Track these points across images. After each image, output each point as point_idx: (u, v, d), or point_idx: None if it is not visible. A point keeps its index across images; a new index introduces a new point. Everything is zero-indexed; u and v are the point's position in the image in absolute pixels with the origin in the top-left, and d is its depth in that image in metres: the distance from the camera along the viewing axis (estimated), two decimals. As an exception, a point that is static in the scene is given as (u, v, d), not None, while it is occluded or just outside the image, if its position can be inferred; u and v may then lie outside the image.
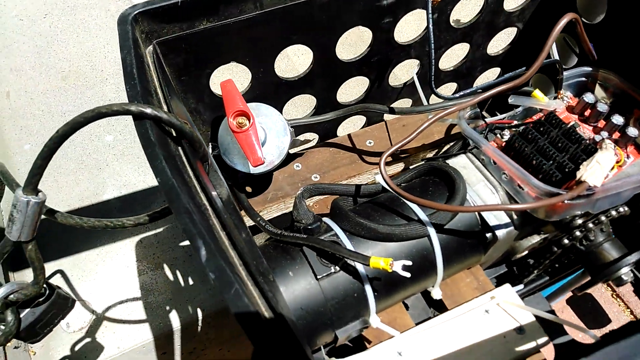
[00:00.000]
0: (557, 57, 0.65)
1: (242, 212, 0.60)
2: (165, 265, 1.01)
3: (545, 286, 0.67)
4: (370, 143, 0.68)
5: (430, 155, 0.70)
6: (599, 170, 0.47)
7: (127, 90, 0.40)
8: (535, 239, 0.58)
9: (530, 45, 0.68)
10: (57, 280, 0.98)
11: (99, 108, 0.38)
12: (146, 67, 0.45)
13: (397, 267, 0.43)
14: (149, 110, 0.37)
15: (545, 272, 0.65)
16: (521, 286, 0.61)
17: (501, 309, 0.55)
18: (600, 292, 1.49)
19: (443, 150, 0.68)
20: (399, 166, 0.69)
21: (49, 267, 0.99)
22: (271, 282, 0.35)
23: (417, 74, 0.64)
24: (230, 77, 0.55)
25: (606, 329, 1.39)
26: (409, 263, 0.43)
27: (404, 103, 0.72)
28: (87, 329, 0.93)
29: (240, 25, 0.50)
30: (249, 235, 0.39)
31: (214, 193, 0.37)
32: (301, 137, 0.65)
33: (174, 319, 0.96)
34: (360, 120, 0.72)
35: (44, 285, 0.48)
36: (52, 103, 1.29)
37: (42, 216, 0.44)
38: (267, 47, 0.53)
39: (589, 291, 1.46)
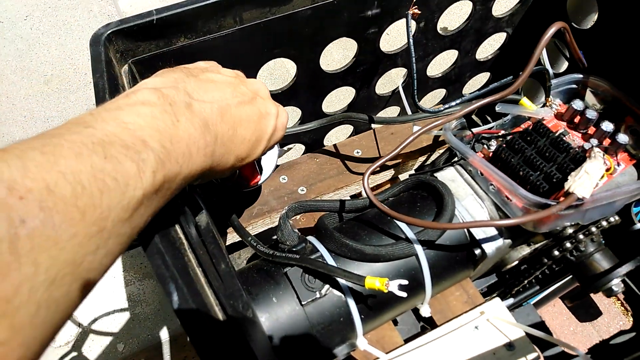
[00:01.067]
0: (547, 63, 0.64)
1: (231, 231, 0.58)
2: (152, 275, 1.00)
3: (535, 294, 0.66)
4: (358, 152, 0.67)
5: (418, 162, 0.69)
6: (587, 181, 0.46)
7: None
8: (525, 250, 0.57)
9: (521, 49, 0.67)
10: (42, 293, 0.96)
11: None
12: (120, 89, 0.43)
13: (393, 287, 0.42)
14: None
15: (536, 281, 0.64)
16: (511, 300, 0.60)
17: (491, 324, 0.54)
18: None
19: (430, 160, 0.67)
20: (387, 174, 0.67)
21: (34, 279, 0.97)
22: (250, 320, 0.33)
23: (402, 83, 0.62)
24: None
25: (598, 322, 1.40)
26: (405, 282, 0.42)
27: (393, 110, 0.70)
28: (73, 343, 0.91)
29: (220, 41, 0.48)
30: (228, 265, 0.38)
31: (191, 228, 0.36)
32: (285, 148, 0.63)
33: (163, 330, 0.95)
34: (348, 129, 0.70)
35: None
36: (35, 108, 1.26)
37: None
38: (249, 62, 0.51)
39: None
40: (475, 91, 0.56)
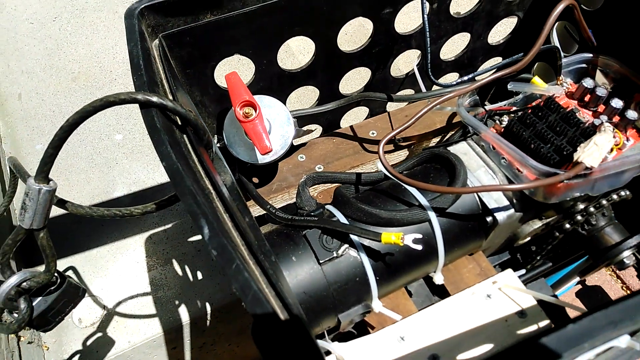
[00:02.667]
0: (557, 43, 0.66)
1: (251, 202, 0.61)
2: (174, 261, 1.03)
3: (549, 273, 0.67)
4: (373, 134, 0.69)
5: (432, 143, 0.71)
6: (596, 152, 0.47)
7: (134, 81, 0.42)
8: (537, 224, 0.59)
9: (531, 33, 0.69)
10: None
11: (107, 97, 0.40)
12: (152, 59, 0.46)
13: (408, 240, 0.44)
14: (155, 99, 0.39)
15: (549, 258, 0.66)
16: (523, 271, 0.61)
17: (503, 293, 0.55)
18: (610, 285, 1.47)
19: (445, 138, 0.69)
20: (402, 155, 0.69)
21: (62, 264, 1.01)
22: (273, 262, 0.36)
23: (417, 64, 0.64)
24: (234, 70, 0.57)
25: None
26: (419, 236, 0.44)
27: (407, 93, 0.73)
28: (98, 324, 0.95)
29: (243, 17, 0.51)
30: (252, 219, 0.40)
31: (218, 178, 0.39)
32: (304, 128, 0.66)
33: (184, 313, 0.97)
34: (364, 112, 0.73)
35: (55, 274, 0.49)
36: (63, 104, 1.32)
37: (55, 209, 0.46)
38: (270, 39, 0.54)
39: (598, 284, 1.44)
40: (487, 69, 0.58)
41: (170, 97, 0.45)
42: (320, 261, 0.47)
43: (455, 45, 0.69)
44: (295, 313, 0.30)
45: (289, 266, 0.47)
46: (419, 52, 0.65)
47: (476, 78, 0.58)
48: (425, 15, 0.51)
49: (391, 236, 0.44)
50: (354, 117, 0.75)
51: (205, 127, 0.42)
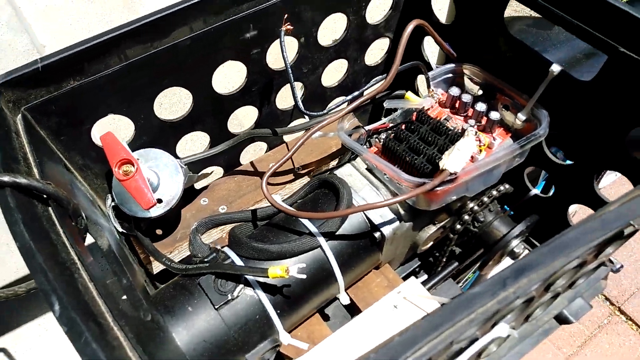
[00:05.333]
0: (428, 58, 0.71)
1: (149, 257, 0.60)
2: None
3: (458, 273, 0.70)
4: (272, 166, 0.71)
5: (331, 167, 0.73)
6: (458, 157, 0.51)
7: (-13, 163, 0.41)
8: (432, 229, 0.62)
9: (405, 51, 0.73)
10: (-3, 360, 0.95)
11: (-45, 185, 0.39)
12: (13, 135, 0.46)
13: (293, 271, 0.45)
14: (6, 179, 0.38)
15: (455, 258, 0.69)
16: (425, 276, 0.64)
17: (408, 301, 0.58)
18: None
19: (335, 163, 0.71)
20: (303, 181, 0.71)
21: (-13, 348, 0.96)
22: (146, 322, 0.36)
23: (301, 97, 0.67)
24: (115, 127, 0.57)
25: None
26: (303, 265, 0.46)
27: (299, 123, 0.75)
28: None
29: (108, 79, 0.51)
30: (129, 281, 0.40)
31: (83, 247, 0.38)
32: (201, 173, 0.66)
33: None
34: (263, 146, 0.74)
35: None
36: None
37: None
38: (141, 96, 0.55)
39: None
40: (357, 93, 0.61)
41: (36, 171, 0.44)
42: (216, 306, 0.47)
43: (335, 71, 0.72)
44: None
45: (185, 317, 0.47)
46: (301, 83, 0.68)
47: (348, 97, 0.62)
48: (286, 53, 0.54)
49: (277, 270, 0.45)
50: (254, 153, 0.77)
51: (70, 196, 0.42)
